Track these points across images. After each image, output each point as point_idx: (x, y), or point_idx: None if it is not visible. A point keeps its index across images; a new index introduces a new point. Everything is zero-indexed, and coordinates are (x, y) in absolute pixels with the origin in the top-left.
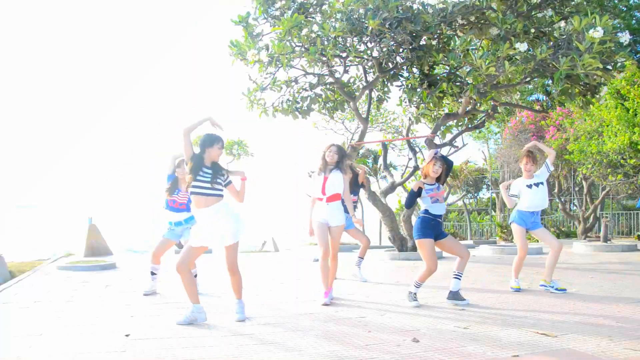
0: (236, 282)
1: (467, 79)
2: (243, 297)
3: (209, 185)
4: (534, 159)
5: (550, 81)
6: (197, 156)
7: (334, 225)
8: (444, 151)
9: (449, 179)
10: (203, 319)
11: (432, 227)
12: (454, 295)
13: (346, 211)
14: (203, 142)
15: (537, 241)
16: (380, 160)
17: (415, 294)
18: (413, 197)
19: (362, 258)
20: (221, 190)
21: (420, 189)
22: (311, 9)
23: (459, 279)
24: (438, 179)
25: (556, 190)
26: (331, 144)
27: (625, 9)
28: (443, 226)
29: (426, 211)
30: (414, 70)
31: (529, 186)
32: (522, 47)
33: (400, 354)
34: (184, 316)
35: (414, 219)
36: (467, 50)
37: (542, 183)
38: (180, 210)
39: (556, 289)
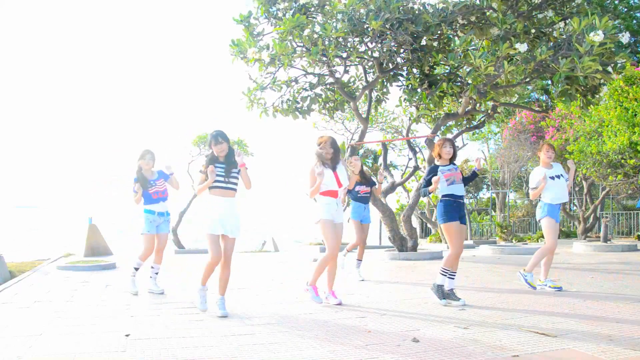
0: (225, 277)
1: (467, 79)
2: (226, 295)
3: (222, 179)
4: (553, 147)
5: (550, 82)
6: (210, 154)
7: (340, 221)
8: None
9: None
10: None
11: (456, 209)
12: (438, 290)
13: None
14: (209, 141)
15: (537, 241)
16: (380, 160)
17: (442, 287)
18: (427, 183)
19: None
20: (236, 184)
21: (435, 169)
22: (312, 9)
23: (445, 276)
24: (451, 161)
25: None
26: (325, 138)
27: (625, 9)
28: (464, 210)
29: (445, 195)
30: (414, 70)
31: (552, 178)
32: (521, 47)
33: (400, 354)
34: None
35: (414, 220)
36: (467, 50)
37: (561, 175)
38: (162, 199)
39: (551, 287)
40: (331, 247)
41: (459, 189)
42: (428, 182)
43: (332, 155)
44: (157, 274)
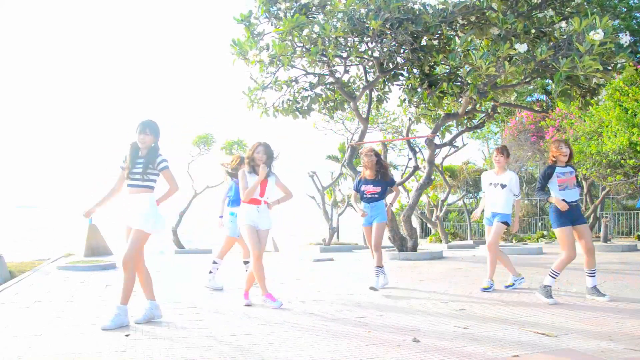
0: (124, 282)
1: (467, 79)
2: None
3: (139, 177)
4: (503, 151)
5: (550, 81)
6: (133, 145)
7: (264, 228)
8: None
9: (449, 179)
10: (159, 315)
11: (568, 214)
12: (590, 291)
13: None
14: (136, 128)
15: (537, 241)
16: None
17: (550, 287)
18: (544, 180)
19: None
20: (154, 181)
21: (552, 171)
22: (313, 9)
23: (594, 276)
24: (567, 163)
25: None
26: (258, 143)
27: (625, 10)
28: (581, 210)
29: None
30: (414, 70)
31: (490, 184)
32: (521, 48)
33: (400, 354)
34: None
35: (414, 220)
36: (468, 50)
37: (504, 185)
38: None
39: (483, 289)
40: (254, 252)
41: (572, 194)
42: (543, 186)
43: (264, 162)
44: (217, 269)
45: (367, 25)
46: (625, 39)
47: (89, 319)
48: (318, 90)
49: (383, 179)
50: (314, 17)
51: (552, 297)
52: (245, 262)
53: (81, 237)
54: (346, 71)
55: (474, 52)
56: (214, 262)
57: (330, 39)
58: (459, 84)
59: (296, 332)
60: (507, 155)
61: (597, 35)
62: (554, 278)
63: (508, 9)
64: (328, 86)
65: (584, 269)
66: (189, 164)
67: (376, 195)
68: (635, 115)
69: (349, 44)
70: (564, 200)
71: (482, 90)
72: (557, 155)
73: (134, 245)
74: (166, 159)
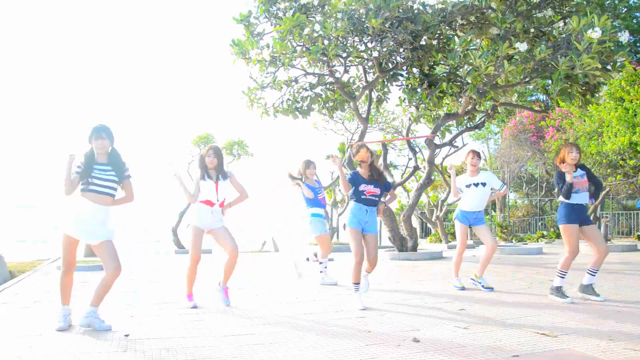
0: (105, 289)
1: (466, 79)
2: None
3: (108, 184)
4: (479, 154)
5: (549, 81)
6: (87, 154)
7: (218, 227)
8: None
9: (449, 179)
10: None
11: (577, 213)
12: (585, 289)
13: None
14: (89, 136)
15: (537, 241)
16: (380, 160)
17: (562, 287)
18: (569, 188)
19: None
20: (115, 190)
21: (563, 178)
22: (312, 9)
23: (594, 275)
24: (577, 167)
25: (556, 191)
26: (209, 147)
27: (625, 9)
28: (587, 212)
29: (569, 201)
30: (414, 70)
31: (468, 186)
32: (521, 47)
33: (400, 354)
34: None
35: (414, 220)
36: (467, 50)
37: (485, 184)
38: (324, 205)
39: (484, 287)
40: (192, 254)
41: (582, 198)
42: (563, 186)
43: (216, 165)
44: (326, 267)
45: (366, 24)
46: (624, 37)
47: None
48: (318, 90)
49: (381, 181)
50: (314, 17)
51: (567, 297)
52: (308, 259)
53: None
54: (346, 71)
55: (473, 51)
56: (320, 263)
57: (331, 37)
58: (458, 83)
59: (296, 332)
60: (480, 157)
61: (595, 34)
62: (563, 278)
63: (507, 9)
64: (328, 86)
65: (588, 267)
66: (189, 164)
67: (375, 199)
68: (635, 115)
69: (348, 43)
70: (573, 203)
71: (482, 90)
72: (567, 161)
73: (116, 253)
74: (129, 168)
